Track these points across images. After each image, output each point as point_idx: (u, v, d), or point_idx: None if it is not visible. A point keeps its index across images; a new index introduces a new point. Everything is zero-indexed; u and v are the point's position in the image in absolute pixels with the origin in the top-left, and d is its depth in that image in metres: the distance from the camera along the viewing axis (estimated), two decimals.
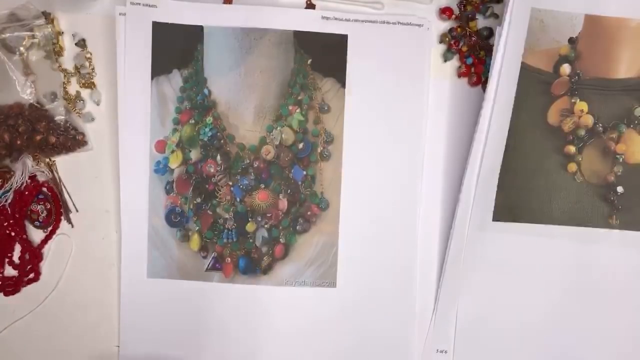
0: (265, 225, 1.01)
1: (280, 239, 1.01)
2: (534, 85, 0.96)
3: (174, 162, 0.99)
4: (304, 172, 1.00)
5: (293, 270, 1.01)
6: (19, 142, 0.99)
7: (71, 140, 1.00)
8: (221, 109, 0.99)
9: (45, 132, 0.99)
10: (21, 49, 0.98)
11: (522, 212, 0.98)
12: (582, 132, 0.97)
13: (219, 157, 1.00)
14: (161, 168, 0.99)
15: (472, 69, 1.01)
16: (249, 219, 1.01)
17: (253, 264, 1.01)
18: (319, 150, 1.00)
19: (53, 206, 1.02)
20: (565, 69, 0.96)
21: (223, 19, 0.97)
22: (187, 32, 0.98)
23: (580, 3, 0.95)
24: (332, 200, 1.00)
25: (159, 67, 0.98)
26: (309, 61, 0.99)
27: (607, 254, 0.99)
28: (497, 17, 1.01)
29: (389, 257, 1.01)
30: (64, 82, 1.01)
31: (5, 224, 1.02)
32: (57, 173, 1.02)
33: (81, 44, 1.01)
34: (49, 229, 1.03)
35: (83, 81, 1.01)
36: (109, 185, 1.02)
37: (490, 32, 1.01)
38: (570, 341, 1.01)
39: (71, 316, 1.04)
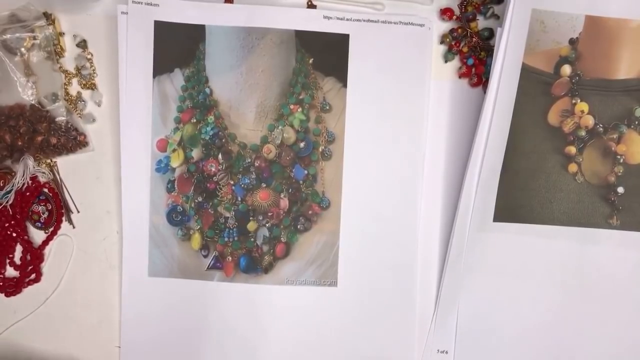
0: (267, 224, 1.01)
1: (282, 238, 1.01)
2: (534, 85, 0.96)
3: (176, 161, 1.00)
4: (305, 171, 1.00)
5: (294, 269, 1.01)
6: (20, 142, 0.99)
7: (72, 141, 1.00)
8: (222, 108, 0.99)
9: (46, 133, 0.99)
10: (22, 50, 0.98)
11: (523, 213, 0.98)
12: (582, 133, 0.97)
13: (220, 156, 1.00)
14: (162, 167, 1.00)
15: (473, 70, 1.01)
16: (250, 218, 1.01)
17: (254, 263, 1.01)
18: (320, 150, 1.00)
19: (54, 207, 1.02)
20: (566, 69, 0.96)
21: (225, 18, 0.98)
22: (189, 31, 0.98)
23: (581, 4, 0.95)
24: (333, 199, 1.00)
25: (161, 66, 0.98)
26: (311, 60, 0.99)
27: (607, 254, 0.99)
28: (498, 17, 1.02)
29: (389, 257, 1.01)
30: (65, 83, 1.02)
31: (7, 224, 1.02)
32: (58, 174, 1.03)
33: (82, 44, 1.01)
34: (50, 229, 1.03)
35: (84, 82, 1.02)
36: (110, 186, 1.03)
37: (491, 33, 1.01)
38: (570, 341, 1.01)
39: (72, 316, 1.04)
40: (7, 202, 1.00)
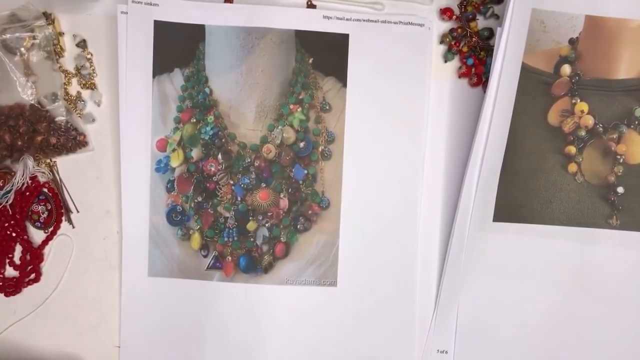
0: (266, 224, 1.01)
1: (281, 238, 1.01)
2: (534, 85, 0.96)
3: (175, 161, 1.00)
4: (305, 171, 1.00)
5: (294, 269, 1.01)
6: (19, 142, 0.99)
7: (72, 141, 1.00)
8: (222, 107, 0.99)
9: (46, 132, 0.99)
10: (22, 49, 0.98)
11: (523, 213, 0.98)
12: (582, 133, 0.97)
13: (220, 156, 1.00)
14: (162, 167, 1.00)
15: (473, 70, 1.01)
16: (250, 218, 1.01)
17: (254, 263, 1.01)
18: (320, 149, 1.00)
19: (54, 207, 1.02)
20: (566, 69, 0.96)
21: (225, 18, 0.98)
22: (188, 31, 0.98)
23: (581, 4, 0.95)
24: (333, 199, 1.00)
25: (161, 66, 0.98)
26: (310, 60, 0.99)
27: (607, 254, 0.99)
28: (498, 17, 1.02)
29: (389, 257, 1.01)
30: (64, 83, 1.01)
31: (6, 224, 1.02)
32: (58, 174, 1.03)
33: (82, 44, 1.01)
34: (50, 229, 1.03)
35: (84, 82, 1.02)
36: (109, 185, 1.02)
37: (491, 33, 1.01)
38: (570, 341, 1.01)
39: (72, 316, 1.04)
40: (6, 202, 1.00)
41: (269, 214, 1.01)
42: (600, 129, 0.97)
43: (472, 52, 1.01)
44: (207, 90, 0.99)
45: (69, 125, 1.00)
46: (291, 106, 0.99)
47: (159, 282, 1.01)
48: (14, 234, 1.03)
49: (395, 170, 1.00)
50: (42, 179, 1.02)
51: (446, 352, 1.03)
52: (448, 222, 1.02)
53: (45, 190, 1.02)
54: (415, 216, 1.01)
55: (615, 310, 1.01)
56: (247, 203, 1.00)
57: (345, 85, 0.99)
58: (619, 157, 0.98)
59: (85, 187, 1.03)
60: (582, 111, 0.97)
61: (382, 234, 1.01)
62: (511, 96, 0.95)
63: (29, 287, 1.03)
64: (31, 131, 0.99)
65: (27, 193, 1.01)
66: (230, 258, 1.01)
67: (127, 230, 1.01)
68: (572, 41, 0.96)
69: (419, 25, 0.99)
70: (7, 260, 1.03)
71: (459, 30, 1.01)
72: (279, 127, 1.00)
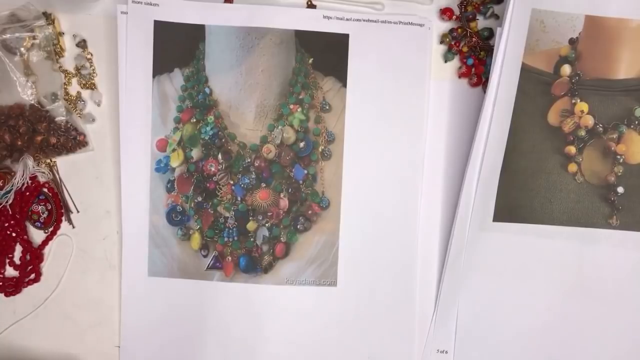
0: (266, 224, 1.01)
1: (281, 238, 1.01)
2: (534, 85, 0.96)
3: (175, 161, 0.99)
4: (305, 171, 1.00)
5: (294, 269, 1.01)
6: (19, 142, 0.99)
7: (72, 141, 1.00)
8: (222, 107, 0.99)
9: (46, 132, 0.99)
10: (22, 49, 0.98)
11: (523, 213, 0.98)
12: (582, 133, 0.97)
13: (220, 156, 1.00)
14: (162, 167, 0.99)
15: (473, 70, 1.01)
16: (250, 218, 1.01)
17: (254, 263, 1.01)
18: (320, 149, 1.00)
19: (54, 207, 1.02)
20: (566, 69, 0.96)
21: (225, 18, 0.98)
22: (188, 30, 0.98)
23: (581, 4, 0.95)
24: (333, 199, 1.00)
25: (161, 66, 0.98)
26: (310, 60, 0.99)
27: (607, 254, 0.99)
28: (498, 17, 1.02)
29: (389, 257, 1.01)
30: (64, 83, 1.01)
31: (6, 224, 1.02)
32: (58, 174, 1.02)
33: (82, 44, 1.01)
34: (50, 229, 1.03)
35: (84, 82, 1.01)
36: (109, 185, 1.02)
37: (491, 33, 1.01)
38: (570, 341, 1.01)
39: (72, 316, 1.04)
40: (6, 202, 1.00)
41: (269, 214, 1.01)
42: (600, 129, 0.97)
43: (472, 52, 1.01)
44: (207, 90, 0.99)
45: (69, 125, 1.00)
46: (291, 106, 0.99)
47: (159, 282, 1.01)
48: (14, 234, 1.02)
49: (395, 170, 1.00)
50: (42, 179, 1.02)
51: (446, 352, 1.03)
52: (448, 222, 1.02)
53: (45, 190, 1.02)
54: (415, 216, 1.01)
55: (615, 310, 1.01)
56: (247, 203, 1.00)
57: (345, 85, 0.99)
58: (619, 157, 0.98)
59: (85, 187, 1.03)
60: (582, 111, 0.97)
61: (382, 234, 1.01)
62: (511, 96, 0.95)
63: (29, 287, 1.03)
64: (31, 131, 0.99)
65: (27, 193, 1.01)
66: (230, 258, 1.01)
67: (127, 230, 1.00)
68: (572, 41, 0.96)
69: (419, 25, 0.99)
70: (7, 260, 1.03)
71: (459, 30, 1.01)
72: (279, 127, 1.00)
